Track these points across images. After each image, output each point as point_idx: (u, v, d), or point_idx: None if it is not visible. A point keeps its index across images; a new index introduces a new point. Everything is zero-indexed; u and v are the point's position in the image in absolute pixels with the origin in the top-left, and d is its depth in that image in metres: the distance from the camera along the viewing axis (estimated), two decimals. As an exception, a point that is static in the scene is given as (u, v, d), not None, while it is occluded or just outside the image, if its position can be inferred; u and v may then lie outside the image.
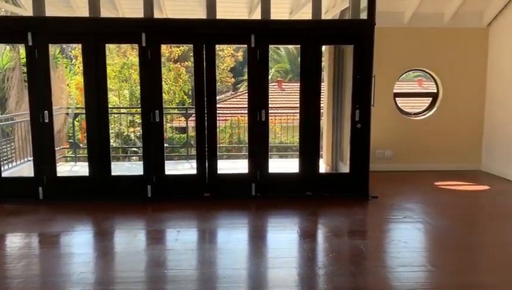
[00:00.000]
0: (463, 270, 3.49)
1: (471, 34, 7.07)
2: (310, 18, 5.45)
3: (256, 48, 5.33)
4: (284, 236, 4.24)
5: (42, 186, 5.35)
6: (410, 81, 17.41)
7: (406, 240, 4.12)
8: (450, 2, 6.70)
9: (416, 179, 6.71)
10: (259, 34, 5.31)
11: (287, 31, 5.44)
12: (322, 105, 7.31)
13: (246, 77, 22.22)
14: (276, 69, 20.76)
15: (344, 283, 3.22)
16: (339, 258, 3.70)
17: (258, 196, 5.53)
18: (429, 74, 7.40)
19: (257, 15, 5.57)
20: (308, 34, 5.37)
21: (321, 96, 5.63)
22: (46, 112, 5.20)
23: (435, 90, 7.42)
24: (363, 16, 5.46)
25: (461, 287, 3.19)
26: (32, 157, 5.42)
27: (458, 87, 7.17)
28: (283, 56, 21.16)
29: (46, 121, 5.22)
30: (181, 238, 4.17)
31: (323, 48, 6.29)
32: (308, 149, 5.56)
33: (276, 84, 18.57)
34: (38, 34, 5.12)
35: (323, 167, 7.08)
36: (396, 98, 7.35)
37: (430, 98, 7.53)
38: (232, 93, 20.93)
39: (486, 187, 6.18)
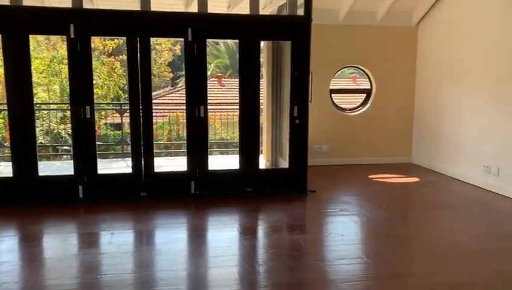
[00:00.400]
0: (396, 261, 3.64)
1: (401, 32, 7.41)
2: (248, 13, 5.41)
3: (194, 42, 5.20)
4: (224, 234, 4.18)
5: (-42, 190, 4.88)
6: (345, 78, 18.02)
7: (343, 233, 4.22)
8: (382, 1, 6.95)
9: (352, 172, 6.94)
10: (196, 28, 5.18)
11: (225, 25, 5.36)
12: (261, 101, 7.40)
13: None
14: (215, 64, 20.58)
15: (283, 278, 3.22)
16: (279, 254, 3.71)
17: (198, 194, 5.43)
18: (363, 70, 7.67)
19: (194, 8, 5.43)
20: (247, 29, 5.33)
21: (260, 92, 5.63)
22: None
23: (369, 87, 7.70)
24: (300, 12, 5.51)
25: (395, 277, 3.32)
26: None
27: (390, 84, 7.49)
28: (223, 51, 21.03)
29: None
30: (115, 240, 3.97)
31: (262, 43, 6.30)
32: (248, 145, 5.54)
33: (216, 79, 18.41)
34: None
35: (263, 163, 7.11)
36: (332, 94, 7.54)
37: (364, 94, 7.80)
38: (171, 88, 20.47)
39: (416, 179, 6.51)
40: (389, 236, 4.18)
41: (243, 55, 5.40)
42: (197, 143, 5.39)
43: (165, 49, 20.39)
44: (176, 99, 15.46)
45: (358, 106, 7.81)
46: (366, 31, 7.28)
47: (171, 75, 21.80)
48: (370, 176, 6.66)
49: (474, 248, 3.86)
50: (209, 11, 5.27)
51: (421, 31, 7.35)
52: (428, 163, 7.16)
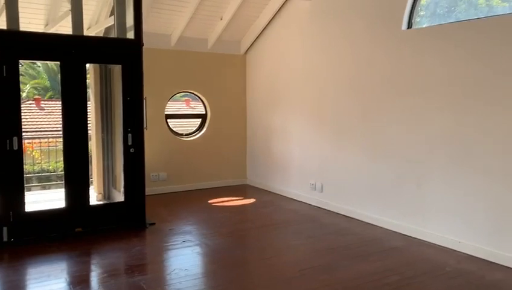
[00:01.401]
0: (242, 288, 3.59)
1: (231, 59, 7.70)
2: (71, 33, 4.87)
3: (2, 63, 4.42)
4: (48, 289, 3.54)
5: None
6: (177, 101, 18.03)
7: (187, 267, 4.02)
8: (212, 29, 7.13)
9: (192, 198, 6.82)
10: (6, 47, 4.42)
11: (43, 45, 4.70)
12: (89, 127, 6.75)
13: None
14: (32, 86, 18.34)
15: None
16: (118, 303, 3.30)
17: (13, 241, 4.56)
18: (197, 96, 7.70)
19: (2, 24, 4.63)
20: (70, 51, 4.78)
21: (88, 117, 5.09)
22: None
23: (204, 112, 7.76)
24: (130, 35, 5.21)
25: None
26: None
27: (224, 108, 7.69)
28: (41, 72, 18.90)
29: None
30: None
31: (88, 65, 5.76)
32: (76, 177, 4.93)
33: (34, 102, 16.36)
34: None
35: (94, 196, 6.45)
36: (168, 120, 7.36)
37: (200, 119, 7.83)
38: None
39: (252, 200, 6.74)
40: (233, 263, 4.14)
41: (66, 78, 4.82)
42: (10, 181, 4.56)
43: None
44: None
45: (195, 131, 7.79)
46: (198, 57, 7.35)
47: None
48: (209, 201, 6.64)
49: (311, 264, 4.08)
50: (22, 28, 4.57)
51: (249, 58, 7.77)
52: (263, 183, 7.52)
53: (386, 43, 5.13)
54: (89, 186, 5.11)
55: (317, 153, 6.26)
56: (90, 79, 6.61)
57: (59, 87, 4.86)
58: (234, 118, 7.83)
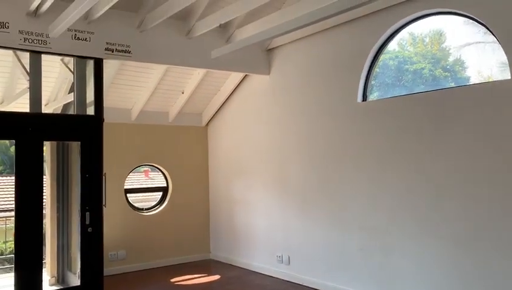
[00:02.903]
0: None
1: (193, 132, 7.73)
2: (28, 110, 4.76)
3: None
4: None
5: None
6: (136, 173, 17.71)
7: None
8: (173, 103, 7.21)
9: (153, 278, 6.45)
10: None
11: (-3, 123, 4.55)
12: (44, 204, 6.41)
13: None
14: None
15: None
16: None
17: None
18: (158, 168, 7.58)
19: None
20: (27, 128, 4.64)
21: (43, 194, 4.85)
22: None
23: (165, 185, 7.61)
24: (90, 111, 5.16)
25: None
26: None
27: (185, 181, 7.57)
28: (-7, 146, 18.12)
29: None
30: None
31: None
32: (28, 261, 4.56)
33: (-15, 179, 15.45)
34: None
35: (46, 280, 5.97)
36: (128, 194, 7.13)
37: (161, 192, 7.65)
38: None
39: (217, 277, 6.46)
40: None
41: (22, 156, 4.63)
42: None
43: None
44: None
45: (156, 205, 7.56)
46: (159, 130, 7.33)
47: None
48: (172, 280, 6.31)
49: None
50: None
51: (210, 130, 7.83)
52: (227, 257, 7.28)
53: (342, 115, 5.36)
54: (42, 272, 4.73)
55: (282, 223, 6.20)
56: (46, 154, 6.38)
57: (10, 162, 4.64)
58: (196, 190, 7.70)
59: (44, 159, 6.03)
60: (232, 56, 5.84)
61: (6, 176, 15.71)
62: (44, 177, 6.36)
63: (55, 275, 6.05)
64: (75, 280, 5.17)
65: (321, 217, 5.58)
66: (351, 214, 5.18)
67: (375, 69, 5.16)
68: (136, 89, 6.63)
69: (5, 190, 13.78)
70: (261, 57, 6.41)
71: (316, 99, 5.73)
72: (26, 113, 4.79)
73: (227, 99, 7.36)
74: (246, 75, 6.83)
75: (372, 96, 5.22)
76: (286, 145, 6.18)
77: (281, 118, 6.28)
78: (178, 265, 7.14)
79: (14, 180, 4.62)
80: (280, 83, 6.35)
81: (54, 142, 6.18)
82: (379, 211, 4.87)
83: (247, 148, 6.94)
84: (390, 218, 4.76)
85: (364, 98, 5.21)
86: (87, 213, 4.95)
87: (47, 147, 6.35)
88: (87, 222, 4.93)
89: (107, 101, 6.29)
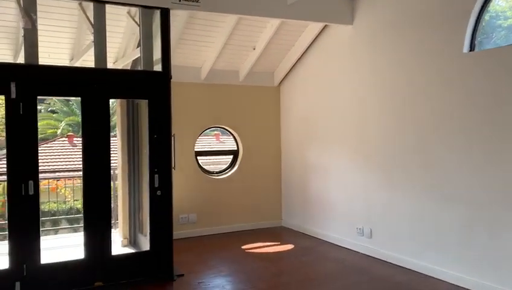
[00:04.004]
0: None
1: (264, 92, 7.22)
2: (93, 66, 4.50)
3: (19, 99, 4.06)
4: None
5: None
6: (207, 136, 17.66)
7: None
8: (244, 61, 6.71)
9: (223, 244, 6.20)
10: (22, 82, 4.07)
11: (62, 80, 4.32)
12: (116, 165, 6.35)
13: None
14: (67, 122, 18.48)
15: None
16: None
17: (25, 298, 4.06)
18: (228, 131, 7.22)
19: (22, 59, 4.30)
20: (92, 85, 4.39)
21: (113, 155, 4.65)
22: None
23: (235, 147, 7.25)
24: (157, 68, 4.81)
25: None
26: None
27: (256, 144, 7.15)
28: (74, 109, 19.06)
29: None
30: None
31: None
32: (97, 224, 4.44)
33: (67, 139, 16.34)
34: None
35: (119, 241, 5.96)
36: (198, 157, 6.87)
37: (231, 156, 7.31)
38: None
39: (290, 246, 6.05)
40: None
41: (88, 114, 4.41)
42: (25, 231, 4.10)
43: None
44: None
45: (226, 168, 7.25)
46: (229, 90, 6.91)
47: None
48: (243, 247, 6.01)
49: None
50: (47, 63, 4.23)
51: (283, 89, 7.27)
52: (300, 226, 6.84)
53: (445, 68, 4.50)
54: (110, 234, 4.58)
55: (363, 192, 5.58)
56: (117, 115, 6.26)
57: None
58: (267, 154, 7.26)
59: (114, 123, 5.90)
60: (309, 3, 5.15)
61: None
62: (115, 138, 6.31)
63: (127, 237, 6.01)
64: (145, 243, 5.01)
65: (413, 187, 4.87)
66: (454, 185, 4.40)
67: (485, 15, 4.22)
68: (205, 45, 6.21)
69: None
70: (342, 4, 5.62)
71: (410, 51, 4.90)
72: (90, 68, 4.54)
73: (302, 55, 6.70)
74: (325, 26, 6.09)
75: (479, 47, 4.31)
76: (372, 105, 5.45)
77: (366, 74, 5.53)
78: (248, 231, 6.85)
79: (81, 142, 4.43)
80: (365, 33, 5.54)
81: (124, 103, 6.01)
82: (491, 187, 4.06)
83: (325, 109, 6.30)
84: (505, 196, 3.94)
85: (472, 47, 4.31)
86: (156, 176, 4.69)
87: (117, 108, 6.21)
88: (156, 185, 4.68)
89: (175, 59, 5.97)
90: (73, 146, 16.26)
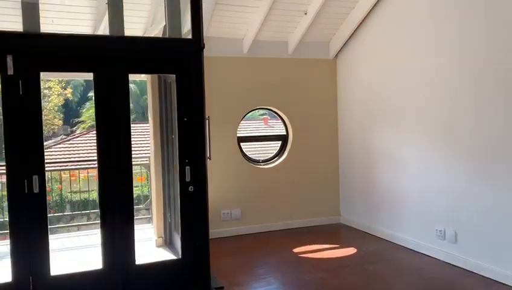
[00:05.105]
0: None
1: (318, 66, 6.15)
2: (108, 34, 3.66)
3: (18, 76, 3.30)
4: None
5: None
6: (254, 120, 16.62)
7: None
8: (293, 29, 5.68)
9: (272, 245, 5.30)
10: (21, 55, 3.31)
11: (70, 51, 3.52)
12: (148, 156, 5.60)
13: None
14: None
15: None
16: None
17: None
18: (276, 112, 6.25)
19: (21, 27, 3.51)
20: (105, 57, 3.56)
21: (131, 144, 3.83)
22: None
23: (284, 132, 6.27)
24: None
25: None
26: None
27: (309, 127, 6.13)
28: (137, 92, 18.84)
29: None
30: None
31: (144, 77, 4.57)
32: (117, 223, 3.65)
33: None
34: None
35: (153, 240, 5.23)
36: (241, 143, 5.98)
37: (280, 141, 6.35)
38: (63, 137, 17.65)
39: (352, 250, 5.03)
40: None
41: (102, 93, 3.60)
42: (29, 235, 3.38)
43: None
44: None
45: (274, 156, 6.30)
46: (277, 65, 5.92)
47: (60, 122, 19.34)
48: (295, 250, 5.08)
49: None
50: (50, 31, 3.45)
51: (340, 63, 6.16)
52: (362, 224, 5.79)
53: None
54: (133, 238, 3.79)
55: (445, 187, 4.43)
56: (148, 95, 5.48)
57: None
58: (322, 140, 6.21)
59: (146, 105, 5.13)
60: None
61: (138, 123, 16.03)
62: (147, 123, 5.52)
63: (162, 236, 5.26)
64: (180, 247, 4.20)
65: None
66: None
67: None
68: (247, 11, 5.24)
69: (138, 137, 13.78)
70: None
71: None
72: (104, 36, 3.72)
73: (363, 21, 5.56)
74: (394, -21, 4.93)
75: None
76: (460, 77, 4.26)
77: (450, 43, 4.34)
78: (301, 229, 5.91)
79: (96, 129, 3.63)
80: (448, -17, 4.34)
81: (156, 81, 5.19)
82: None
83: (393, 86, 5.17)
84: None
85: None
86: (187, 168, 3.83)
87: (148, 87, 5.42)
88: (188, 179, 3.82)
89: (212, 29, 5.14)
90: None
